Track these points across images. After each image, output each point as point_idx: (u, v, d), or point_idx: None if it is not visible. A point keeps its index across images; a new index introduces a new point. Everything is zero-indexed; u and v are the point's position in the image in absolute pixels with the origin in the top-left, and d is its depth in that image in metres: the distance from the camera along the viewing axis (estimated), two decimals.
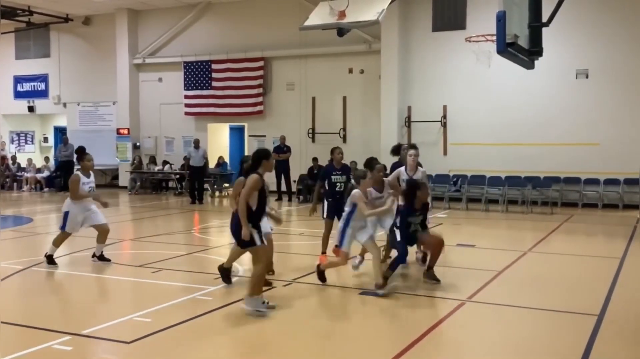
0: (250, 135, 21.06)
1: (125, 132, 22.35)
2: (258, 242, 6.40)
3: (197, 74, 21.23)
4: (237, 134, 22.52)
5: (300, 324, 6.26)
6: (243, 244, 6.47)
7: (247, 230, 6.27)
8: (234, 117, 21.09)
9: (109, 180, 23.23)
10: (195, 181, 18.16)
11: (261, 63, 20.38)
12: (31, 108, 24.49)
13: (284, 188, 18.47)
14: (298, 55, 19.93)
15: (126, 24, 22.07)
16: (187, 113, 21.55)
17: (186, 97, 21.48)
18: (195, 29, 21.53)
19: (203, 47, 21.14)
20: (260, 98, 20.50)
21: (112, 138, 22.59)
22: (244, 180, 6.60)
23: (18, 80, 24.70)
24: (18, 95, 24.74)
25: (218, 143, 22.00)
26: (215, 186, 20.15)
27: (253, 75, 20.47)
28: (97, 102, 23.16)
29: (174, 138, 22.10)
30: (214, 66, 20.99)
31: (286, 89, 20.37)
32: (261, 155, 6.53)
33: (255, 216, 6.44)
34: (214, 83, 21.02)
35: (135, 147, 22.32)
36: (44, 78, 24.24)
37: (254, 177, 6.34)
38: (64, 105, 23.82)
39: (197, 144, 18.49)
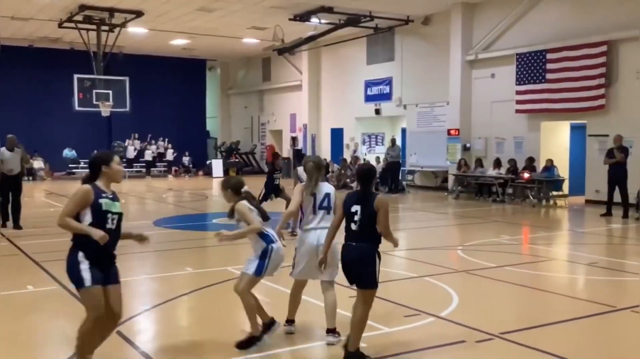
0: (589, 135, 17.80)
1: (455, 132, 21.29)
2: None
3: (531, 67, 18.87)
4: (577, 134, 19.25)
5: None
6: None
7: None
8: (570, 113, 18.09)
9: (439, 183, 22.54)
10: None
11: (604, 48, 16.97)
12: (377, 111, 25.36)
13: (617, 198, 14.86)
14: None
15: (460, 20, 20.98)
16: (518, 111, 19.36)
17: (517, 92, 19.31)
18: (530, 16, 19.17)
19: (537, 35, 18.68)
20: (601, 91, 17.11)
21: (443, 139, 21.80)
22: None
23: (367, 84, 25.86)
24: (367, 99, 25.91)
25: (554, 144, 19.18)
26: (541, 194, 17.56)
27: (593, 64, 17.20)
28: (432, 102, 22.63)
29: (504, 139, 20.12)
30: (548, 56, 18.36)
31: (636, 78, 16.54)
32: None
33: None
34: (548, 76, 18.38)
35: (465, 149, 21.07)
36: (388, 81, 24.83)
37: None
38: (404, 107, 23.96)
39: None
